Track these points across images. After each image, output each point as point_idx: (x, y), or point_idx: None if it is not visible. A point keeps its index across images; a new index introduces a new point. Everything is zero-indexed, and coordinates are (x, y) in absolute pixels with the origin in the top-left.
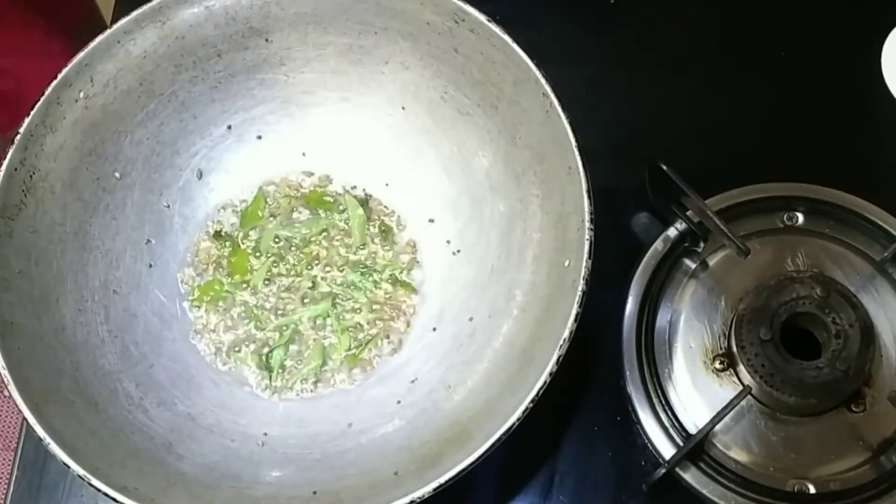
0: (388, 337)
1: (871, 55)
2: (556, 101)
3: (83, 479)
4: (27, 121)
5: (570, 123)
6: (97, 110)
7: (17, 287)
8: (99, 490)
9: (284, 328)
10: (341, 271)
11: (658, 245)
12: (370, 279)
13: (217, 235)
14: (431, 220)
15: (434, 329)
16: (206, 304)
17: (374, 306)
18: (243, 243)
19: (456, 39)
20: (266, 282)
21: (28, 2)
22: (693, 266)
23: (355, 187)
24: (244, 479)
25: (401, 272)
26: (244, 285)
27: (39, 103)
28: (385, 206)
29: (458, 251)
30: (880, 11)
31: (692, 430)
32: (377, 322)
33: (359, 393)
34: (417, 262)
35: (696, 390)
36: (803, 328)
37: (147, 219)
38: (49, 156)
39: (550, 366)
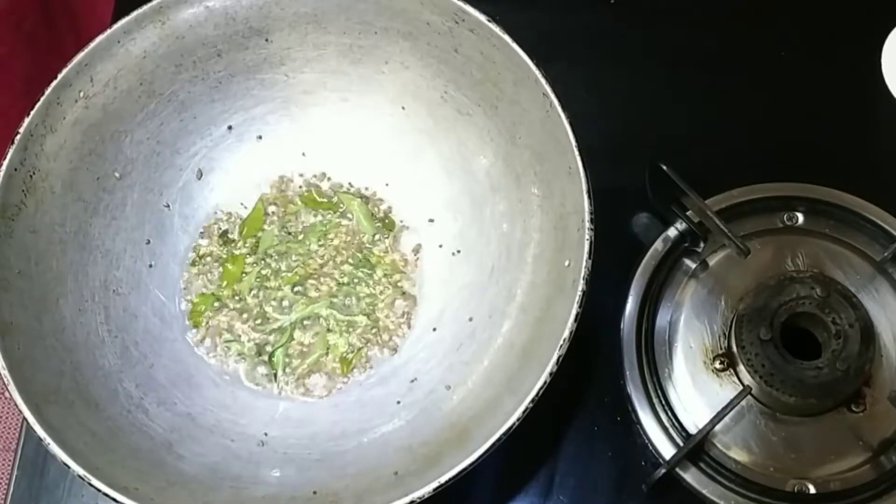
0: (387, 338)
1: (871, 55)
2: (556, 101)
3: (83, 479)
4: (27, 121)
5: (570, 123)
6: (97, 110)
7: (17, 287)
8: (99, 490)
9: (284, 329)
10: (341, 270)
11: (658, 245)
12: (371, 277)
13: (222, 236)
14: (431, 220)
15: (434, 329)
16: (203, 312)
17: (373, 307)
18: (243, 249)
19: (456, 39)
20: (267, 283)
21: None
22: (693, 266)
23: (354, 185)
24: (244, 479)
25: (399, 277)
26: (235, 296)
27: (39, 103)
28: (384, 202)
29: (458, 251)
30: (880, 11)
31: (692, 430)
32: (376, 322)
33: (359, 393)
34: (417, 262)
35: (696, 390)
36: (803, 328)
37: (147, 219)
38: (49, 156)
39: (550, 366)
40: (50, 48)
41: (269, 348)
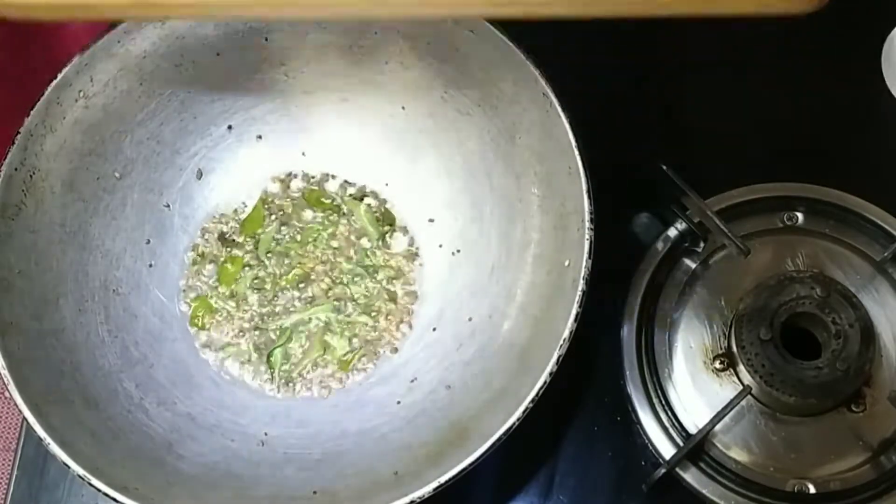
0: (387, 338)
1: (871, 55)
2: (555, 101)
3: (83, 479)
4: (27, 121)
5: (570, 123)
6: (97, 110)
7: (17, 287)
8: (99, 490)
9: (283, 329)
10: (341, 270)
11: (658, 245)
12: (371, 277)
13: (222, 236)
14: (431, 220)
15: (434, 329)
16: (202, 314)
17: (373, 307)
18: (242, 249)
19: (456, 39)
20: (266, 284)
21: None
22: (693, 266)
23: (354, 184)
24: (244, 479)
25: (399, 277)
26: (234, 296)
27: (39, 103)
28: (380, 193)
29: (458, 251)
30: (880, 11)
31: (692, 430)
32: (376, 323)
33: (359, 393)
34: (419, 263)
35: (696, 390)
36: (803, 328)
37: (147, 219)
38: (49, 156)
39: (550, 365)
40: (22, 80)
41: (268, 348)
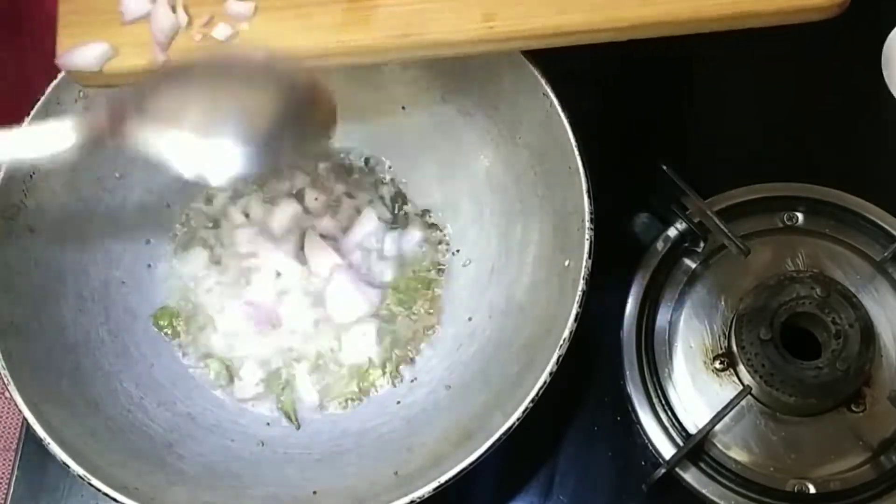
0: (396, 370)
1: (871, 55)
2: (556, 101)
3: (83, 479)
4: (27, 121)
5: (570, 123)
6: (97, 110)
7: (17, 287)
8: (99, 490)
9: (285, 370)
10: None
11: (658, 245)
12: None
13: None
14: (431, 220)
15: (434, 329)
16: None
17: (385, 340)
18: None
19: None
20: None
21: None
22: (693, 266)
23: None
24: (244, 479)
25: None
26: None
27: (39, 103)
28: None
29: (458, 251)
30: (880, 11)
31: (692, 430)
32: (387, 354)
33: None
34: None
35: (696, 390)
36: (803, 328)
37: (147, 219)
38: (49, 156)
39: (550, 366)
40: (22, 81)
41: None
